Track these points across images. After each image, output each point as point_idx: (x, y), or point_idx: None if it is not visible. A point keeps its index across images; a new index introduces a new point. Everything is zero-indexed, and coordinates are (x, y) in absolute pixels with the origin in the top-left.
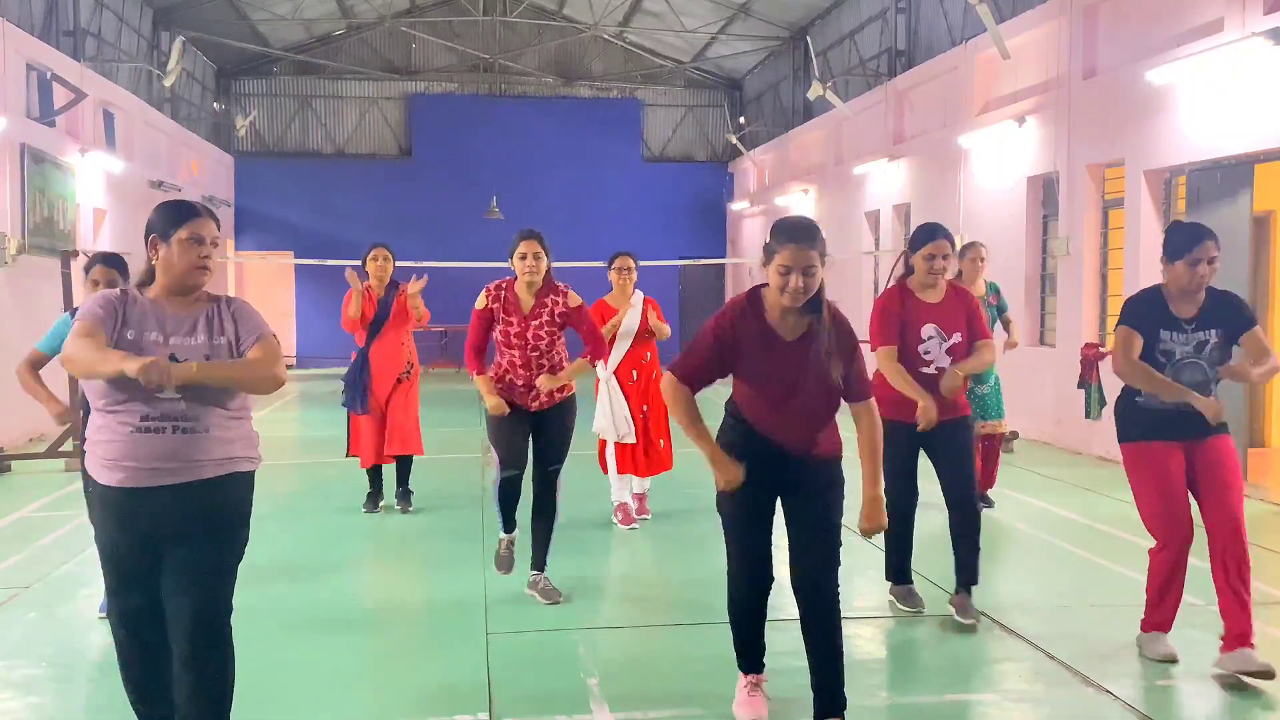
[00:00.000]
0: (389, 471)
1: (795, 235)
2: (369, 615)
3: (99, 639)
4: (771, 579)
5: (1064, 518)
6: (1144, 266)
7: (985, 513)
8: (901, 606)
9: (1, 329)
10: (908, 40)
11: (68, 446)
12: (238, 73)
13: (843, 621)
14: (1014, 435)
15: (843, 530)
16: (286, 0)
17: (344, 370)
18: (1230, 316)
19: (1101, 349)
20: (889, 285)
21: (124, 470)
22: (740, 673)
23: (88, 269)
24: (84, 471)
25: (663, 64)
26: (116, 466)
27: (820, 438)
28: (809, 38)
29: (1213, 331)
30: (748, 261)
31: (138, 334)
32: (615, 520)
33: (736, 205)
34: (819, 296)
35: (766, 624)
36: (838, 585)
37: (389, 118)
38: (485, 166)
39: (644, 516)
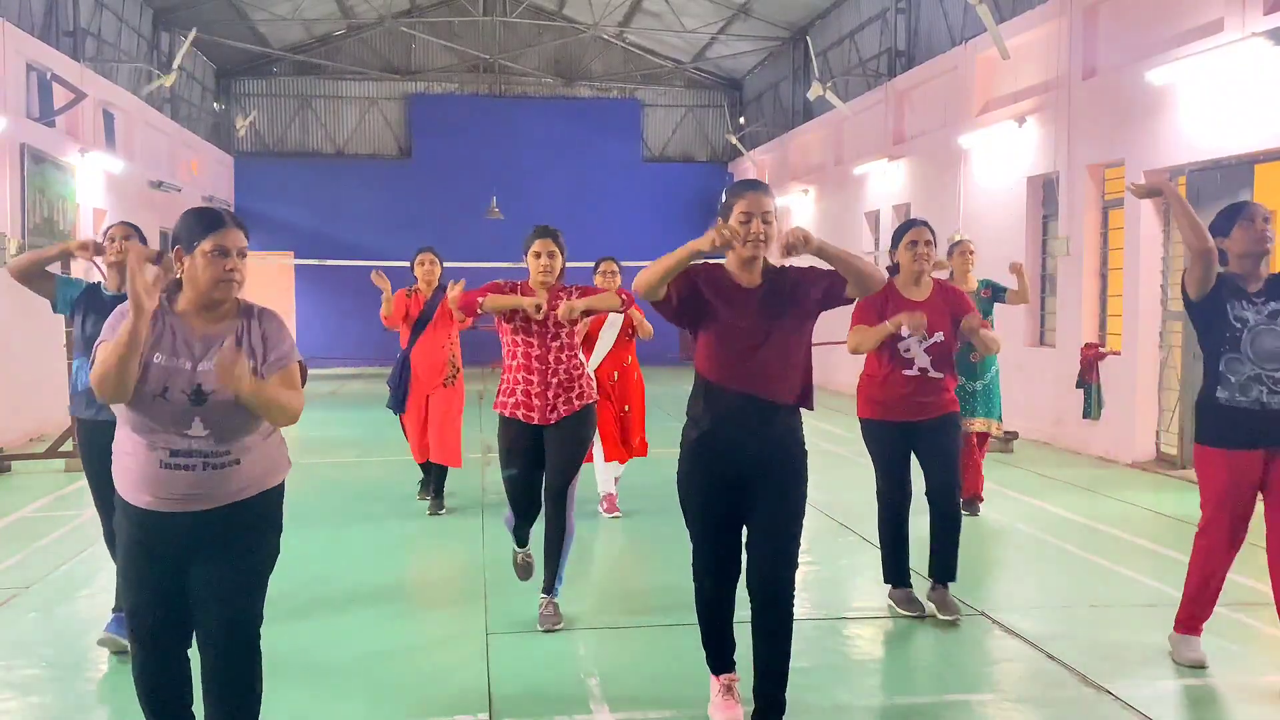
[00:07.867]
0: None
1: (752, 185)
2: (369, 615)
3: (98, 638)
4: (738, 573)
5: (1064, 518)
6: (1144, 266)
7: (983, 512)
8: (902, 611)
9: (1, 329)
10: (908, 40)
11: (68, 446)
12: (238, 73)
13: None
14: (1013, 435)
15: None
16: (286, 0)
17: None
18: None
19: (1101, 349)
20: None
21: (152, 496)
22: (712, 675)
23: (105, 231)
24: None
25: (663, 64)
26: (144, 491)
27: (785, 388)
28: (809, 38)
29: None
30: None
31: (166, 358)
32: (600, 510)
33: None
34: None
35: (737, 623)
36: (793, 587)
37: (389, 118)
38: (485, 166)
39: (614, 514)
